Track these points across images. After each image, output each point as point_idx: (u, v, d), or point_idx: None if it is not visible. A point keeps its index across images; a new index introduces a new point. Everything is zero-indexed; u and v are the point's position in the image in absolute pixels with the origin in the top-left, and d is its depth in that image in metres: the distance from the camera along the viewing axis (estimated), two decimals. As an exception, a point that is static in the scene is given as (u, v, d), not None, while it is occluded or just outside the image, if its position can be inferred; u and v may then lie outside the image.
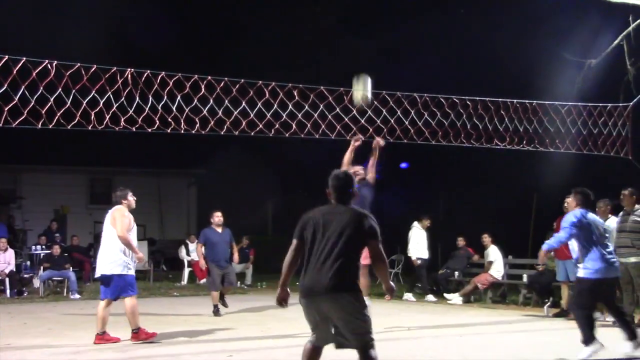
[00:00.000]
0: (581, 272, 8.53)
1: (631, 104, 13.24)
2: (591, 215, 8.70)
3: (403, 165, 26.56)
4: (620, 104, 13.19)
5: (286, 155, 24.17)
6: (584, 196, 8.81)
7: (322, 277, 5.44)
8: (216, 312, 12.94)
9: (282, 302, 5.84)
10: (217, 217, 13.20)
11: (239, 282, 19.61)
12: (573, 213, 8.65)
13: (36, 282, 16.95)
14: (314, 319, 5.59)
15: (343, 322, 5.47)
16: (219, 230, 13.16)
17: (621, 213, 11.70)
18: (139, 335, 9.78)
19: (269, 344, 9.76)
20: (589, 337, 8.34)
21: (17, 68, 8.99)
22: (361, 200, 9.71)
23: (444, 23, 22.32)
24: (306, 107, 10.88)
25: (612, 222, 11.96)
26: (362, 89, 10.39)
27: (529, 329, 11.66)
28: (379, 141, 10.70)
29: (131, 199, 9.82)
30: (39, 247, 19.08)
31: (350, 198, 5.83)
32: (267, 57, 26.48)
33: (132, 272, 9.73)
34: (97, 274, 9.87)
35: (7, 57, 8.90)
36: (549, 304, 13.57)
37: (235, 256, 13.56)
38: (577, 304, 8.56)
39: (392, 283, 5.88)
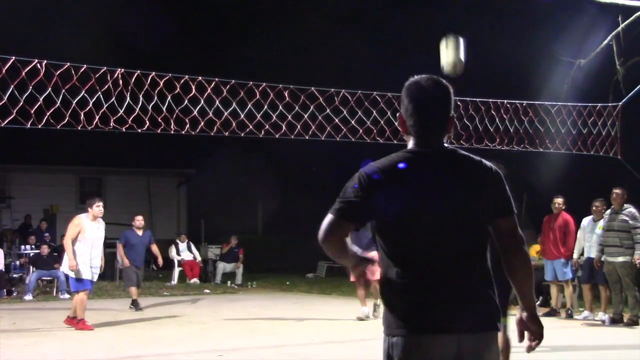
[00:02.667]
0: None
1: (620, 103, 13.30)
2: None
3: (400, 165, 26.57)
4: (610, 104, 13.25)
5: (277, 155, 24.15)
6: None
7: (452, 306, 2.94)
8: (136, 306, 13.61)
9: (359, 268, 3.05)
10: (138, 220, 14.26)
11: (229, 282, 19.63)
12: None
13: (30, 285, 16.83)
14: None
15: None
16: (140, 232, 14.07)
17: (609, 212, 11.77)
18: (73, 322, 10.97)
19: (259, 343, 9.75)
20: None
21: (6, 67, 8.96)
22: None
23: (435, 23, 22.35)
24: (296, 108, 10.88)
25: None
26: (453, 54, 8.23)
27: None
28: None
29: (96, 208, 10.97)
30: (28, 247, 19.01)
31: (445, 132, 3.20)
32: (258, 57, 26.47)
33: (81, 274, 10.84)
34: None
35: (-5, 56, 8.88)
36: (538, 302, 13.62)
37: (159, 260, 14.37)
38: None
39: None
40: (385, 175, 3.06)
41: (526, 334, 3.12)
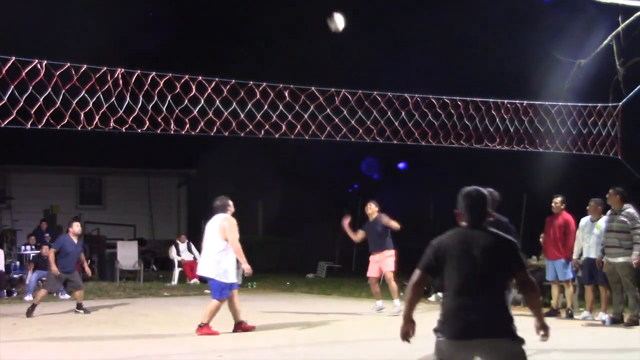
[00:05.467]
0: None
1: (620, 103, 13.29)
2: None
3: (401, 165, 26.57)
4: (610, 104, 13.24)
5: (277, 155, 24.15)
6: None
7: (480, 319, 4.70)
8: (29, 312, 12.82)
9: (407, 336, 5.03)
10: (77, 226, 13.70)
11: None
12: None
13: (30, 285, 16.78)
14: None
15: None
16: (75, 240, 13.54)
17: (608, 212, 11.76)
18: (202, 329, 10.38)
19: (259, 344, 9.75)
20: None
21: (6, 67, 8.95)
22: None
23: (434, 23, 22.33)
24: (297, 107, 10.88)
25: (603, 221, 12.03)
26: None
27: (519, 328, 11.66)
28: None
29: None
30: (28, 247, 19.00)
31: (485, 219, 5.00)
32: (259, 57, 26.46)
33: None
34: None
35: (-5, 56, 8.87)
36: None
37: (87, 270, 14.21)
38: None
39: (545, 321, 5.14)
40: (448, 240, 5.00)
41: (540, 331, 5.13)
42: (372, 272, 13.31)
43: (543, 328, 5.02)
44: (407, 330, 4.96)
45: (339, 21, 11.31)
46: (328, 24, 11.21)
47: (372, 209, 13.49)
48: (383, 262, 13.12)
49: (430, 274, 4.91)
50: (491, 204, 5.18)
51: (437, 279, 4.96)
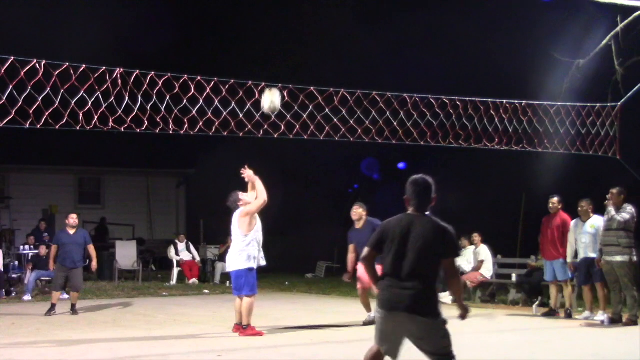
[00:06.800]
0: None
1: (619, 103, 13.30)
2: None
3: (401, 165, 26.57)
4: (609, 104, 13.25)
5: (276, 155, 24.15)
6: None
7: (404, 296, 5.25)
8: (49, 312, 12.89)
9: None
10: (72, 219, 13.55)
11: (228, 282, 19.60)
12: None
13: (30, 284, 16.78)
14: (387, 331, 5.44)
15: (422, 342, 5.34)
16: (72, 232, 13.38)
17: (607, 212, 11.75)
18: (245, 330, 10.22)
19: (258, 343, 9.74)
20: None
21: (4, 67, 8.95)
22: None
23: (434, 23, 22.35)
24: (295, 107, 10.88)
25: (596, 220, 12.03)
26: (270, 99, 10.22)
27: (517, 329, 11.69)
28: None
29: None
30: (27, 247, 18.99)
31: (429, 205, 5.49)
32: (257, 57, 26.45)
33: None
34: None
35: (-6, 56, 8.87)
36: (537, 303, 13.62)
37: (94, 263, 13.65)
38: None
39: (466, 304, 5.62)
40: (393, 223, 5.50)
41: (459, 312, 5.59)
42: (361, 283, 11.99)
43: (462, 308, 5.53)
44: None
45: (271, 101, 10.23)
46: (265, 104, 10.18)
47: (359, 213, 11.56)
48: None
49: (377, 251, 5.45)
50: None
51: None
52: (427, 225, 5.35)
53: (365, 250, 5.53)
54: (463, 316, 5.57)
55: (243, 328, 10.21)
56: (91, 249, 13.51)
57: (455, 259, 5.43)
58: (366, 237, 10.62)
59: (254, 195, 10.44)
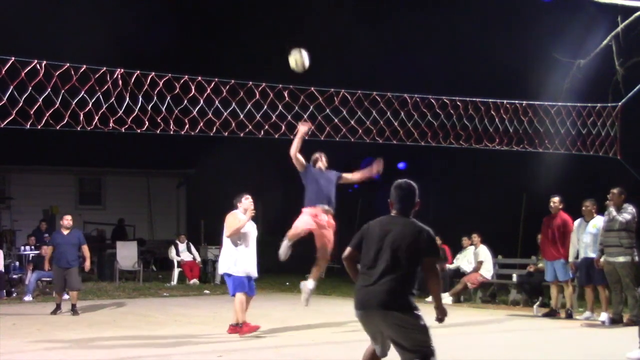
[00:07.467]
0: None
1: (620, 104, 13.30)
2: None
3: (401, 165, 26.53)
4: (609, 104, 13.25)
5: (277, 155, 24.13)
6: None
7: (376, 293, 5.31)
8: (54, 311, 13.21)
9: None
10: (66, 220, 13.78)
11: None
12: None
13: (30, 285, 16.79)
14: (370, 331, 5.53)
15: (398, 338, 5.36)
16: (65, 232, 13.59)
17: (607, 212, 11.74)
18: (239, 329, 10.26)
19: (259, 344, 9.74)
20: None
21: (5, 68, 8.96)
22: (326, 182, 10.47)
23: (434, 23, 22.35)
24: (296, 108, 10.89)
25: (598, 221, 12.03)
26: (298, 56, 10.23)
27: (518, 329, 11.69)
28: (378, 166, 10.62)
29: (245, 201, 10.50)
30: (27, 247, 18.99)
31: (412, 209, 5.63)
32: (257, 57, 26.45)
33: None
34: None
35: (-5, 57, 8.88)
36: (538, 303, 13.62)
37: (87, 263, 13.82)
38: None
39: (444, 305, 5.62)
40: (373, 224, 5.65)
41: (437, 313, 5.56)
42: None
43: (440, 310, 5.53)
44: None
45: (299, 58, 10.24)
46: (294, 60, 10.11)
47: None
48: None
49: (357, 250, 5.57)
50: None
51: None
52: (406, 226, 5.47)
53: (347, 250, 5.65)
54: (440, 319, 5.56)
55: (239, 327, 10.25)
56: (85, 249, 13.73)
57: (435, 258, 5.50)
58: None
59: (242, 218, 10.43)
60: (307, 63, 10.22)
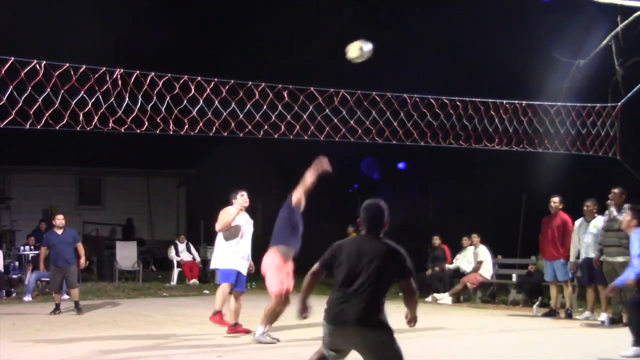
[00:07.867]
0: None
1: (619, 104, 13.30)
2: None
3: (400, 165, 26.52)
4: (609, 104, 13.25)
5: (277, 155, 24.13)
6: None
7: (351, 310, 5.39)
8: (54, 311, 13.18)
9: (302, 314, 5.76)
10: (59, 219, 13.77)
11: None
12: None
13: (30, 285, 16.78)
14: (337, 345, 5.56)
15: (369, 355, 5.47)
16: (59, 232, 13.57)
17: (608, 212, 11.75)
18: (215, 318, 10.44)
19: (258, 344, 9.73)
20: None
21: (5, 68, 8.95)
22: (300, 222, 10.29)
23: (434, 23, 22.33)
24: (295, 108, 10.89)
25: (599, 221, 12.03)
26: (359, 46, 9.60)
27: (518, 329, 11.69)
28: (323, 165, 9.91)
29: (240, 198, 10.49)
30: (27, 247, 18.98)
31: (382, 229, 5.71)
32: (257, 57, 26.44)
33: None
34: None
35: (-5, 57, 8.87)
36: (537, 303, 13.62)
37: (82, 260, 13.83)
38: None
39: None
40: (346, 244, 5.68)
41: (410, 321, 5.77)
42: None
43: (412, 319, 5.76)
44: (301, 310, 5.71)
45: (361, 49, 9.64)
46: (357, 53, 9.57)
47: None
48: None
49: (326, 269, 5.63)
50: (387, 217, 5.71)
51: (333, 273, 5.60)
52: (379, 247, 5.56)
53: (315, 266, 5.69)
54: (411, 322, 5.79)
55: (238, 326, 10.35)
56: (80, 247, 13.76)
57: (410, 280, 5.61)
58: None
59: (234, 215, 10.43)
60: (366, 48, 9.62)
